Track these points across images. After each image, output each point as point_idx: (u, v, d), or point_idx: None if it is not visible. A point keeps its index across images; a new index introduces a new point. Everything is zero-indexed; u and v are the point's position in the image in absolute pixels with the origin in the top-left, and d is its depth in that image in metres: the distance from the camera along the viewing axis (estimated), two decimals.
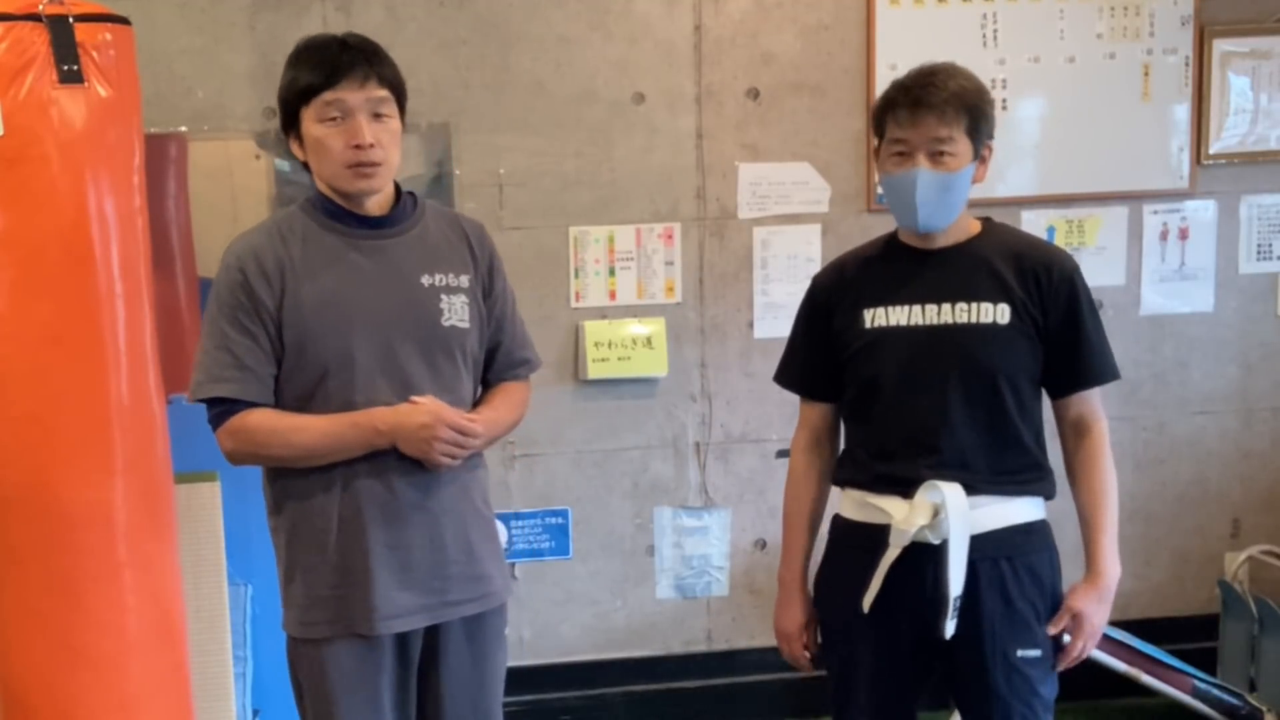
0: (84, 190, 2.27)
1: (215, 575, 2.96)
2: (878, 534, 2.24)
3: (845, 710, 2.39)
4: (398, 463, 2.13)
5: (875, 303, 2.28)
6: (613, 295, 3.63)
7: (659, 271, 3.65)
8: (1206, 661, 3.70)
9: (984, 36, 3.62)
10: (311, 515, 2.16)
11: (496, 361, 2.32)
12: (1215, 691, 3.49)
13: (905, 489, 2.22)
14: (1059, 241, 3.71)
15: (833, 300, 2.36)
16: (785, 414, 3.70)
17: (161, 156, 3.36)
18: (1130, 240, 3.76)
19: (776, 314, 3.67)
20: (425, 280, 2.19)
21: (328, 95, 2.10)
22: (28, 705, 2.34)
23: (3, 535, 2.30)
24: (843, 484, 2.38)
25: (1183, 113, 3.71)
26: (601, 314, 3.63)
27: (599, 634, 3.75)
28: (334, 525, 2.15)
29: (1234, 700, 3.49)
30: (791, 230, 3.66)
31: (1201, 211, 3.78)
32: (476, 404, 2.27)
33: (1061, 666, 2.29)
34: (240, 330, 2.12)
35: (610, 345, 3.61)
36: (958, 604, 2.19)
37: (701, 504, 3.75)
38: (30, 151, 2.22)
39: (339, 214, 2.18)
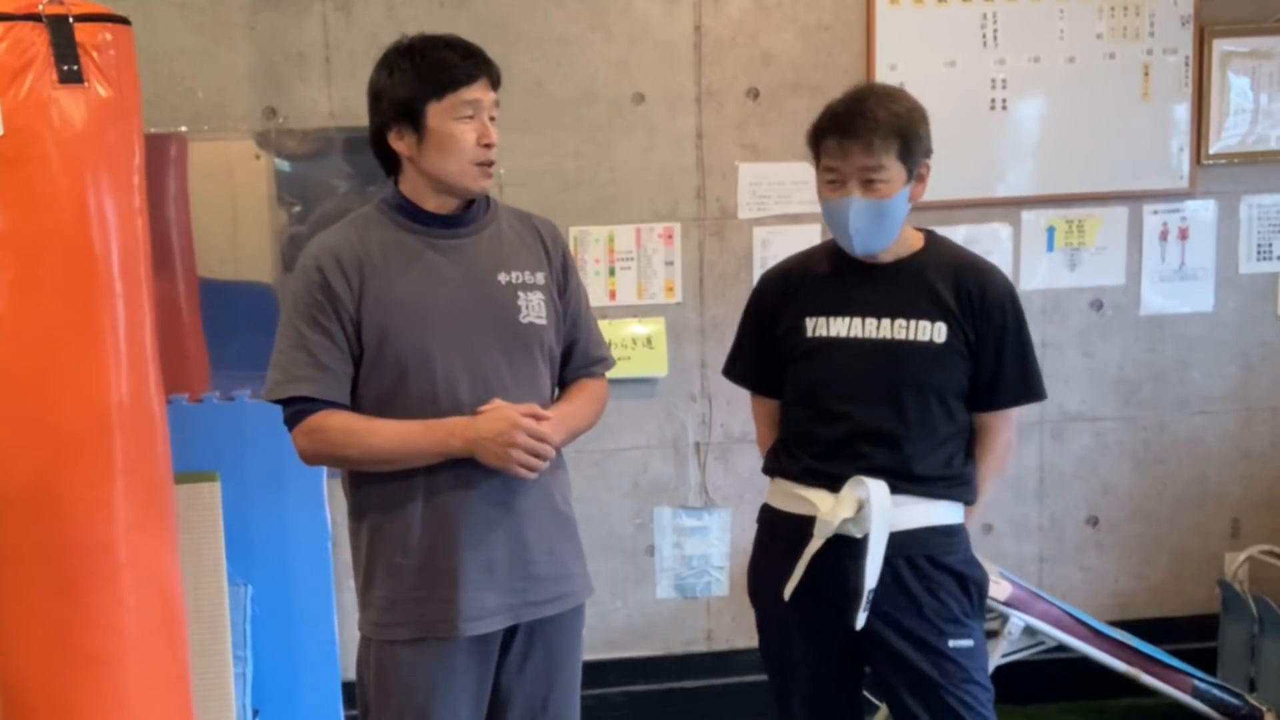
0: (84, 190, 2.27)
1: (215, 575, 2.96)
2: (804, 525, 2.29)
3: (785, 700, 2.43)
4: (478, 467, 2.13)
5: (818, 312, 2.33)
6: (613, 295, 3.63)
7: (659, 271, 3.65)
8: (1206, 661, 3.70)
9: (984, 36, 3.62)
10: (394, 519, 2.16)
11: (574, 359, 2.33)
12: (1215, 691, 3.49)
13: (833, 484, 2.27)
14: (1059, 242, 3.72)
15: (778, 304, 2.41)
16: None
17: (161, 156, 3.36)
18: (1130, 240, 3.76)
19: None
20: (502, 278, 2.20)
21: (467, 94, 2.12)
22: (28, 705, 2.34)
23: (3, 535, 2.30)
24: (772, 474, 2.43)
25: (1183, 113, 3.71)
26: (601, 314, 3.61)
27: (599, 634, 3.74)
28: (417, 528, 2.15)
29: (1234, 700, 3.49)
30: (791, 230, 3.66)
31: (1201, 211, 3.78)
32: (555, 401, 2.27)
33: None
34: (317, 330, 2.11)
35: (610, 345, 3.60)
36: (871, 597, 2.23)
37: (701, 504, 3.75)
38: (30, 151, 2.22)
39: (416, 213, 2.18)
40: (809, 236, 3.65)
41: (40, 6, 2.21)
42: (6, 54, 2.19)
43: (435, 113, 2.11)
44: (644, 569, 3.76)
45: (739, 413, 3.72)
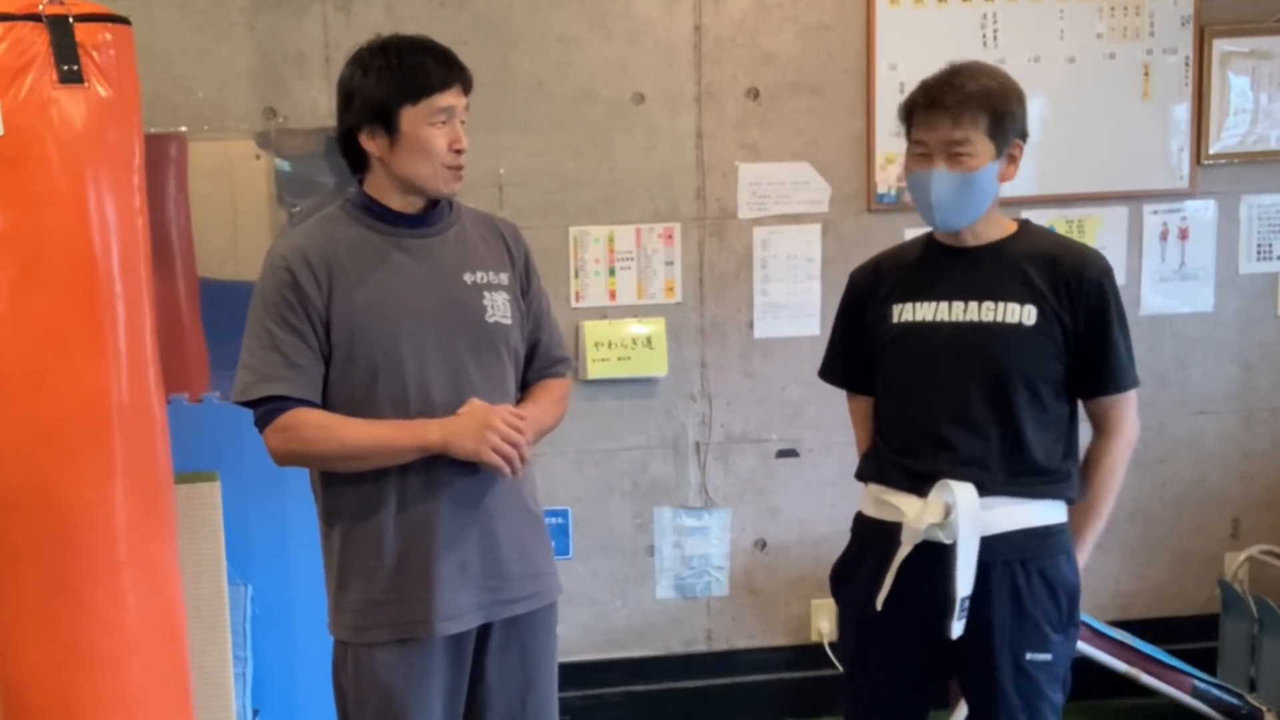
0: (84, 190, 2.27)
1: (215, 575, 2.96)
2: (892, 532, 2.26)
3: (855, 707, 2.40)
4: (449, 467, 2.13)
5: (905, 299, 2.31)
6: (613, 295, 3.63)
7: (659, 271, 3.65)
8: (1206, 661, 3.70)
9: (984, 36, 3.62)
10: (366, 522, 2.16)
11: (536, 359, 2.34)
12: (1215, 691, 3.49)
13: (921, 484, 2.23)
14: None
15: (867, 295, 2.39)
16: (785, 414, 3.71)
17: (161, 156, 3.36)
18: (1130, 240, 3.76)
19: (776, 314, 3.67)
20: (468, 278, 2.21)
21: (441, 100, 2.13)
22: (28, 705, 2.34)
23: (3, 535, 2.30)
24: (865, 479, 2.40)
25: (1183, 113, 3.71)
26: (601, 314, 3.63)
27: (599, 634, 3.75)
28: (390, 530, 2.15)
29: (1234, 700, 3.49)
30: (791, 230, 3.66)
31: (1201, 211, 3.78)
32: (519, 402, 2.27)
33: None
34: (288, 329, 2.11)
35: (610, 345, 3.61)
36: (965, 604, 2.19)
37: (701, 504, 3.75)
38: (30, 151, 2.22)
39: (382, 213, 2.19)
40: (809, 236, 3.65)
41: (40, 6, 2.21)
42: (6, 54, 2.19)
43: (409, 117, 2.12)
44: (644, 569, 3.76)
45: (739, 413, 3.72)
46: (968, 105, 2.17)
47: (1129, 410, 2.31)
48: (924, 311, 2.28)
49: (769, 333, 3.68)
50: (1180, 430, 3.87)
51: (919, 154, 2.23)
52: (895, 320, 2.31)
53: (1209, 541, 3.93)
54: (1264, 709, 3.51)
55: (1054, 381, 2.25)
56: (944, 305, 2.27)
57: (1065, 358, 2.24)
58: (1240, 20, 3.70)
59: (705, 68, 3.60)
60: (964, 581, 2.18)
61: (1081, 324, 2.23)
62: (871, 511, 2.36)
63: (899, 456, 2.30)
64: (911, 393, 2.30)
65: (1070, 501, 2.30)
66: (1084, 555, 2.34)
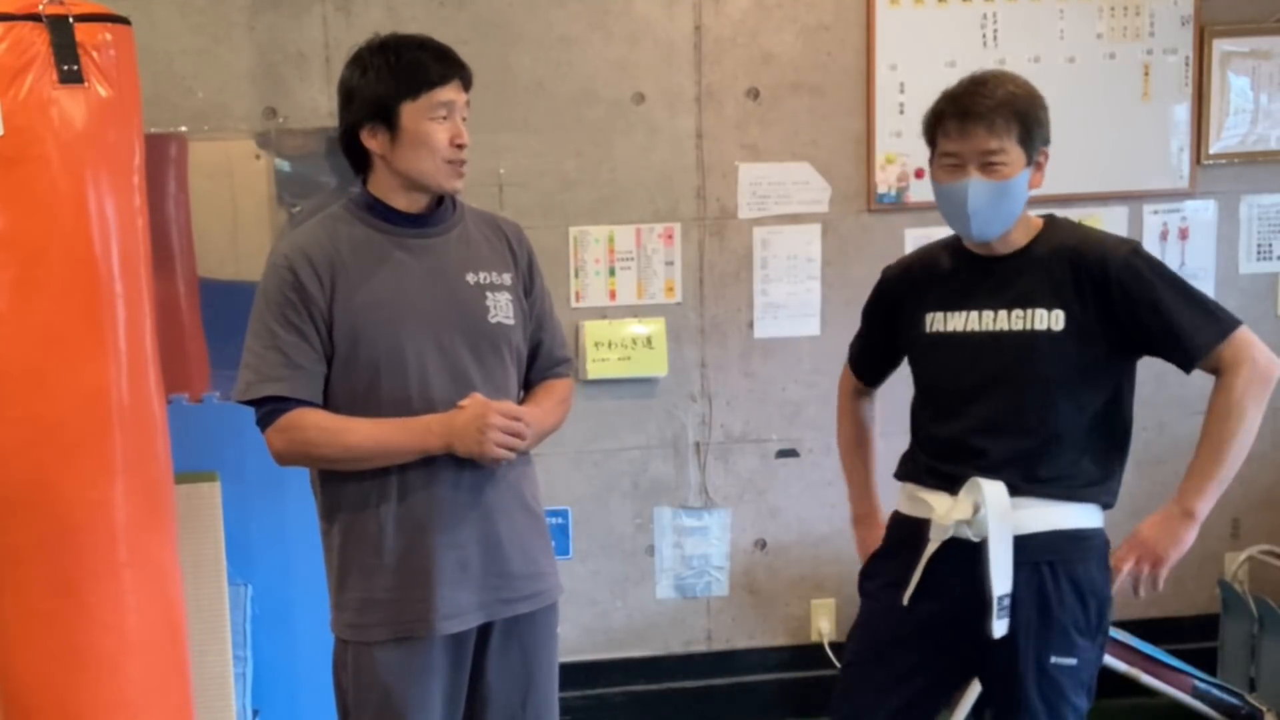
0: (84, 190, 2.27)
1: (215, 575, 2.96)
2: (922, 528, 2.26)
3: (850, 697, 2.37)
4: (450, 465, 2.14)
5: (937, 307, 2.30)
6: (613, 295, 3.63)
7: (659, 271, 3.65)
8: (1206, 661, 3.70)
9: (984, 36, 3.62)
10: (366, 519, 2.16)
11: (539, 360, 2.34)
12: (1215, 691, 3.49)
13: (953, 486, 2.23)
14: None
15: (899, 297, 2.39)
16: (785, 414, 3.71)
17: (161, 156, 3.36)
18: None
19: (776, 314, 3.67)
20: (470, 278, 2.21)
21: (440, 94, 2.13)
22: (28, 705, 2.34)
23: (3, 535, 2.30)
24: (900, 478, 2.40)
25: (1183, 113, 3.71)
26: (601, 314, 3.63)
27: (599, 634, 3.75)
28: (390, 528, 2.15)
29: (1234, 700, 3.49)
30: (791, 230, 3.66)
31: (1201, 211, 3.78)
32: (521, 403, 2.27)
33: (1114, 586, 2.25)
34: (290, 329, 2.12)
35: (610, 345, 3.61)
36: (1005, 603, 2.16)
37: (701, 504, 3.75)
38: (30, 151, 2.22)
39: (385, 213, 2.19)
40: (809, 236, 3.65)
41: (40, 6, 2.21)
42: (6, 54, 2.19)
43: (409, 112, 2.12)
44: (644, 569, 3.76)
45: (739, 412, 3.72)
46: (1000, 113, 2.16)
47: (1241, 349, 2.16)
48: (955, 322, 2.28)
49: (769, 333, 3.68)
50: (1180, 430, 3.86)
51: (951, 165, 2.21)
52: (928, 329, 2.31)
53: (1209, 541, 3.91)
54: (1264, 709, 3.51)
55: (1091, 381, 2.22)
56: (974, 315, 2.26)
57: (1109, 353, 2.21)
58: (1240, 20, 3.70)
59: (705, 68, 3.60)
60: (1000, 580, 2.15)
61: (1125, 312, 2.18)
62: (905, 509, 2.36)
63: (932, 461, 2.30)
64: (944, 402, 2.29)
65: (1107, 506, 2.28)
66: (1199, 502, 2.25)
